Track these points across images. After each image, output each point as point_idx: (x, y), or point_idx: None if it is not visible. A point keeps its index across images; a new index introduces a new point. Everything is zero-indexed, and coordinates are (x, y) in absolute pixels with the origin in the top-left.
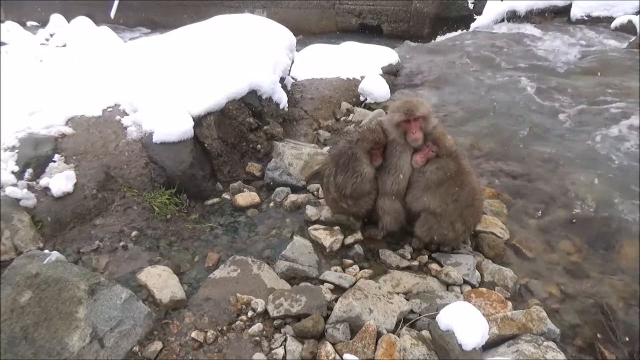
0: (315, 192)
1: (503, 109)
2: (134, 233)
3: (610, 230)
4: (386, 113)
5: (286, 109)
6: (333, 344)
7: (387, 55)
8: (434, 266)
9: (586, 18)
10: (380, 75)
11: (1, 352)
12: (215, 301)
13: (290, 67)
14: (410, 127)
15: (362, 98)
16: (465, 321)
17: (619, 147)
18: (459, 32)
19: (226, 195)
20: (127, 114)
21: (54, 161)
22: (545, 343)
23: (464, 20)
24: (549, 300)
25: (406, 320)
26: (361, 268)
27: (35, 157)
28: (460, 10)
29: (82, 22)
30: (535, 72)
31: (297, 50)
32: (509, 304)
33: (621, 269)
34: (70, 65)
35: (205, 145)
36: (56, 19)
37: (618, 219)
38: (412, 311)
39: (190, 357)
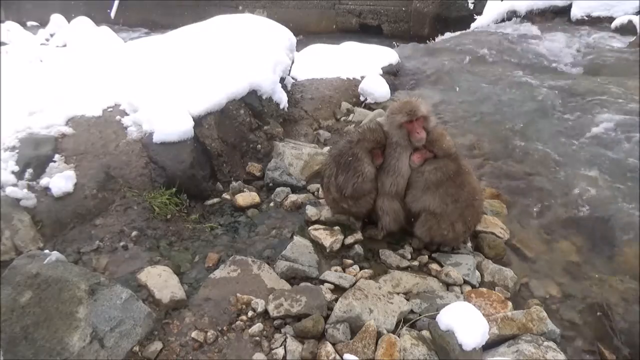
0: (315, 192)
1: (503, 109)
2: (134, 233)
3: (610, 230)
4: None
5: (286, 109)
6: (333, 344)
7: (387, 55)
8: (434, 266)
9: (586, 18)
10: (380, 75)
11: (1, 352)
12: (215, 301)
13: (290, 67)
14: (413, 127)
15: (362, 98)
16: (465, 321)
17: (619, 146)
18: (459, 32)
19: (226, 195)
20: (127, 114)
21: (54, 161)
22: (546, 343)
23: (464, 20)
24: (549, 300)
25: (406, 320)
26: (361, 268)
27: (35, 157)
28: (460, 10)
29: (82, 22)
30: (535, 72)
31: (297, 50)
32: (509, 304)
33: (621, 269)
34: (70, 65)
35: (206, 145)
36: (56, 19)
37: (618, 219)
38: (412, 311)
39: (191, 357)
